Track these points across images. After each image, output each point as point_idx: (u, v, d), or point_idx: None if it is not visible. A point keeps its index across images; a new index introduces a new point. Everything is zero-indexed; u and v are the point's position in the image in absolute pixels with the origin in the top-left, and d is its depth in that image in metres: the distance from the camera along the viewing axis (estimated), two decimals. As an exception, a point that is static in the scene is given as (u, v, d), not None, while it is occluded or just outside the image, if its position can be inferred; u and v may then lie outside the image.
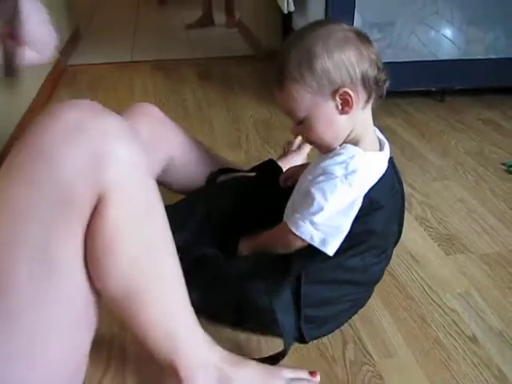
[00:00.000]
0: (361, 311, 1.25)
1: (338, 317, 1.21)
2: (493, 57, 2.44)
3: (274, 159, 1.58)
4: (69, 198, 0.76)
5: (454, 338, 1.20)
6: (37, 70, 2.53)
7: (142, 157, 0.85)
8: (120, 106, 2.48)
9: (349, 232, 1.08)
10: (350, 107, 1.06)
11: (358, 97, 1.06)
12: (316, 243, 1.07)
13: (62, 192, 0.76)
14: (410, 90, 2.55)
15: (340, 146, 1.11)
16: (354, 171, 1.06)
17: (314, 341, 1.18)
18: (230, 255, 1.23)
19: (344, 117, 1.07)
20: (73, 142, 0.77)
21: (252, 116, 2.42)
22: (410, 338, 1.20)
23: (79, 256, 0.81)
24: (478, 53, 2.47)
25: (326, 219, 1.06)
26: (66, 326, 0.84)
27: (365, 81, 1.05)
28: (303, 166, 1.33)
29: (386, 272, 1.29)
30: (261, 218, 1.28)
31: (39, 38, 1.08)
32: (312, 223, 1.06)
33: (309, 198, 1.07)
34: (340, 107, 1.06)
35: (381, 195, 1.12)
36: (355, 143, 1.10)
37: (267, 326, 1.16)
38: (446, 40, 2.47)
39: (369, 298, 1.27)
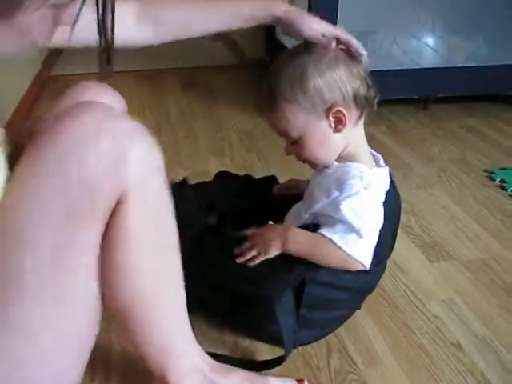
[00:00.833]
0: (345, 319, 1.25)
1: (328, 323, 1.21)
2: (474, 65, 2.46)
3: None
4: (92, 197, 0.77)
5: (438, 345, 1.20)
6: (19, 80, 2.52)
7: (160, 159, 0.86)
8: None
9: None
10: (344, 125, 1.07)
11: (351, 114, 1.08)
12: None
13: (86, 189, 0.76)
14: (393, 98, 2.56)
15: (337, 162, 1.12)
16: (370, 184, 1.07)
17: (299, 349, 1.17)
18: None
19: (338, 135, 1.09)
20: (95, 142, 0.77)
21: (235, 125, 2.42)
22: (395, 345, 1.20)
23: (95, 256, 0.81)
24: (460, 61, 2.49)
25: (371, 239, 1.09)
26: (69, 327, 0.84)
27: (356, 98, 1.07)
28: (299, 181, 1.36)
29: (370, 280, 1.28)
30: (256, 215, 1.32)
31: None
32: (367, 249, 1.09)
33: (344, 222, 1.06)
34: (333, 126, 1.08)
35: (387, 209, 1.13)
36: (350, 160, 1.11)
37: (263, 320, 1.15)
38: (427, 48, 2.49)
39: (358, 308, 1.27)
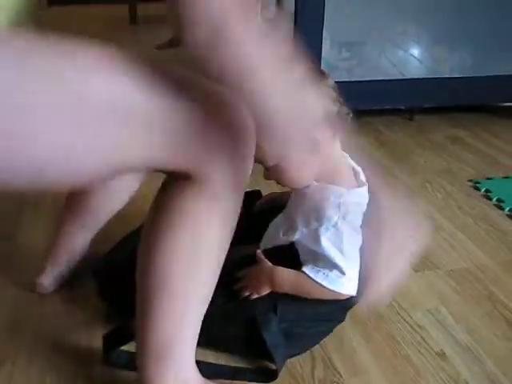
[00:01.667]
0: (330, 329, 1.25)
1: (310, 337, 1.20)
2: (459, 76, 2.47)
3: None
4: None
5: (422, 355, 1.20)
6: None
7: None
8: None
9: None
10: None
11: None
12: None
13: None
14: (380, 109, 2.58)
15: (316, 182, 1.11)
16: (347, 211, 1.07)
17: (283, 360, 1.17)
18: None
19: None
20: None
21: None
22: (379, 355, 1.19)
23: None
24: (445, 71, 2.51)
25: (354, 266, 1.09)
26: None
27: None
28: (280, 194, 1.36)
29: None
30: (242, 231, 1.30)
31: None
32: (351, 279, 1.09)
33: (326, 258, 1.07)
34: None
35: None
36: (328, 177, 1.11)
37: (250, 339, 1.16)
38: (413, 59, 2.51)
39: (342, 320, 1.26)
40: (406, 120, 2.62)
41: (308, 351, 1.20)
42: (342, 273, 1.07)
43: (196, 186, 0.84)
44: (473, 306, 1.35)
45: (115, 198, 1.37)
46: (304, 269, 1.09)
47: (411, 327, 1.28)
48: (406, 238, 1.08)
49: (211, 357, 1.18)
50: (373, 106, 2.52)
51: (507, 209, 1.79)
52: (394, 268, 1.07)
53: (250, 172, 0.87)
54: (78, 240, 1.37)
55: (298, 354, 1.18)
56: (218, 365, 1.16)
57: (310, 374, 1.14)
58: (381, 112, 2.58)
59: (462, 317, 1.31)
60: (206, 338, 1.16)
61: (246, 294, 1.14)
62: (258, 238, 1.25)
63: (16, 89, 0.68)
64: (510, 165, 2.15)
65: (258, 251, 1.18)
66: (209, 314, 1.12)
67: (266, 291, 1.13)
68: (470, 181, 2.00)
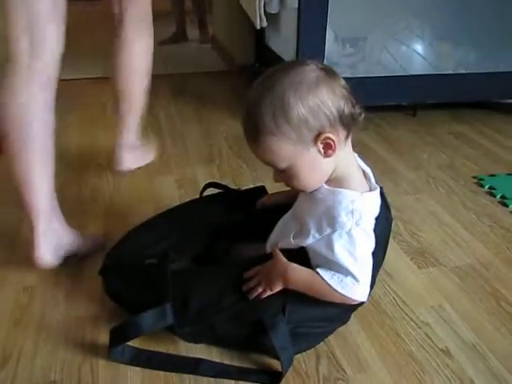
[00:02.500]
0: (334, 326, 1.25)
1: (315, 335, 1.20)
2: (462, 72, 2.47)
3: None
4: None
5: (427, 352, 1.19)
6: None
7: None
8: (92, 121, 2.48)
9: None
10: (334, 150, 1.02)
11: (339, 137, 1.03)
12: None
13: None
14: (383, 105, 2.57)
15: (327, 185, 1.08)
16: (361, 217, 1.05)
17: (287, 356, 1.17)
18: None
19: (327, 159, 1.04)
20: None
21: (225, 131, 2.41)
22: (384, 352, 1.19)
23: None
24: (448, 68, 2.51)
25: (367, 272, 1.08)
26: None
27: (343, 119, 1.01)
28: (284, 194, 1.34)
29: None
30: (246, 230, 1.33)
31: None
32: (364, 285, 1.08)
33: (339, 265, 1.06)
34: (323, 152, 1.02)
35: (378, 231, 1.12)
36: (340, 181, 1.08)
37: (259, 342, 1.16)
38: (416, 55, 2.51)
39: (348, 320, 1.25)
40: (408, 116, 2.61)
41: (312, 348, 1.19)
42: (356, 280, 1.06)
43: None
44: (477, 303, 1.35)
45: None
46: (318, 270, 1.07)
47: (415, 324, 1.28)
48: None
49: (216, 355, 1.18)
50: (376, 102, 2.51)
51: (511, 206, 1.79)
52: None
53: None
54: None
55: (302, 351, 1.18)
56: (222, 364, 1.16)
57: (315, 371, 1.14)
58: (384, 108, 2.58)
59: (466, 313, 1.31)
60: (214, 339, 1.17)
61: (259, 290, 1.12)
62: (262, 237, 1.25)
63: None
64: (513, 161, 2.14)
65: (270, 245, 1.18)
66: (217, 314, 1.13)
67: (278, 288, 1.11)
68: (473, 177, 1.99)
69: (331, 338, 1.22)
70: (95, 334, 1.23)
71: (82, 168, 2.04)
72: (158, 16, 5.22)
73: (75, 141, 2.30)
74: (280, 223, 1.23)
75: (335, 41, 2.44)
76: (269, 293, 1.11)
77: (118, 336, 1.13)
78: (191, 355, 1.18)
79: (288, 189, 1.16)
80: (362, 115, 1.06)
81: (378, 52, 2.48)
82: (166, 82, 3.15)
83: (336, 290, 1.06)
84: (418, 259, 1.51)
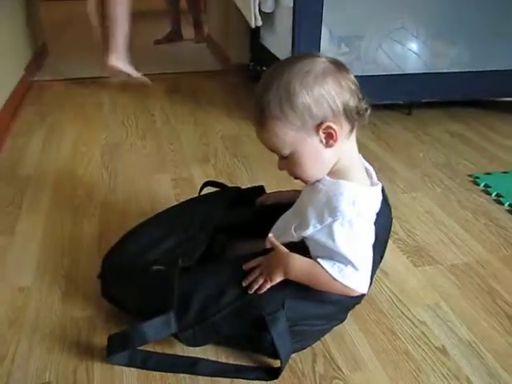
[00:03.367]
0: (330, 325, 1.25)
1: (312, 334, 1.20)
2: (457, 70, 2.47)
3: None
4: None
5: (423, 350, 1.19)
6: (2, 85, 2.50)
7: None
8: (88, 121, 2.48)
9: None
10: (335, 140, 1.03)
11: (342, 128, 1.04)
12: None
13: None
14: (378, 104, 2.57)
15: (330, 177, 1.09)
16: (362, 208, 1.05)
17: (284, 356, 1.16)
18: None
19: (329, 149, 1.05)
20: None
21: (220, 130, 2.41)
22: (380, 350, 1.19)
23: None
24: (443, 66, 2.51)
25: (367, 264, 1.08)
26: None
27: (347, 112, 1.03)
28: (283, 194, 1.36)
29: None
30: (244, 227, 1.33)
31: None
32: (364, 276, 1.07)
33: (340, 254, 1.05)
34: (324, 141, 1.04)
35: (378, 229, 1.12)
36: (342, 173, 1.08)
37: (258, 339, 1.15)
38: (412, 54, 2.50)
39: (344, 319, 1.25)
40: (404, 114, 2.62)
41: (308, 347, 1.19)
42: (356, 269, 1.05)
43: None
44: (473, 301, 1.35)
45: None
46: (319, 260, 1.06)
47: (411, 322, 1.27)
48: None
49: (212, 354, 1.18)
50: (371, 101, 2.50)
51: (507, 204, 1.79)
52: None
53: None
54: None
55: (299, 350, 1.18)
56: (219, 362, 1.16)
57: (311, 370, 1.14)
58: (379, 107, 2.58)
59: (463, 312, 1.31)
60: (215, 338, 1.16)
61: (260, 282, 1.10)
62: (262, 235, 1.24)
63: None
64: (508, 160, 2.14)
65: (271, 235, 1.15)
66: (218, 313, 1.12)
67: (279, 279, 1.10)
68: (469, 175, 2.00)
69: (327, 337, 1.22)
70: (90, 335, 1.22)
71: (76, 167, 2.03)
72: (153, 15, 5.24)
73: (71, 140, 2.29)
74: (280, 219, 1.22)
75: (330, 40, 2.43)
76: (269, 284, 1.10)
77: (120, 343, 1.13)
78: (187, 355, 1.17)
79: (287, 188, 1.16)
80: (368, 111, 1.08)
81: (374, 51, 2.48)
82: (162, 82, 3.14)
83: (336, 280, 1.05)
84: (414, 257, 1.51)
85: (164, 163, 2.08)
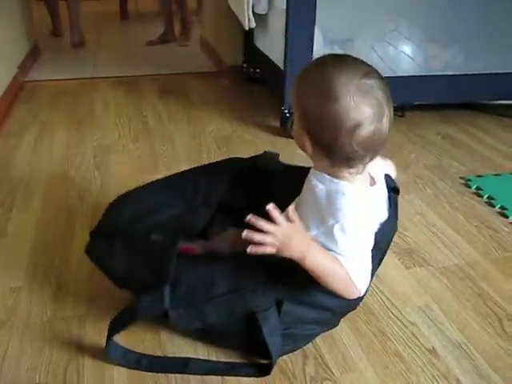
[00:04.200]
0: (321, 326, 1.25)
1: (304, 337, 1.20)
2: (450, 73, 2.48)
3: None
4: None
5: (413, 351, 1.20)
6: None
7: None
8: (80, 122, 2.47)
9: None
10: (305, 150, 1.08)
11: (315, 150, 1.06)
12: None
13: None
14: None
15: (329, 177, 1.08)
16: (361, 209, 1.05)
17: (274, 357, 1.16)
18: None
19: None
20: None
21: (213, 131, 2.41)
22: (370, 352, 1.19)
23: None
24: (437, 69, 2.51)
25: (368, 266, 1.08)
26: None
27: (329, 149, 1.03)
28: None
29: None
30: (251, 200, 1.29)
31: None
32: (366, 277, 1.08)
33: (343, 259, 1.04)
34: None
35: (382, 237, 1.13)
36: (343, 171, 1.07)
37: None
38: (405, 56, 2.51)
39: (336, 325, 1.25)
40: (397, 117, 2.62)
41: (299, 349, 1.19)
42: (359, 270, 1.05)
43: None
44: (464, 303, 1.35)
45: None
46: (339, 257, 1.03)
47: (402, 324, 1.28)
48: None
49: (202, 353, 1.18)
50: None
51: (498, 206, 1.80)
52: None
53: None
54: None
55: (289, 352, 1.18)
56: (210, 361, 1.16)
57: (302, 371, 1.14)
58: (372, 109, 2.58)
59: (453, 313, 1.31)
60: (203, 324, 1.15)
61: (268, 250, 0.99)
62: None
63: None
64: (500, 162, 2.15)
65: (292, 207, 1.03)
66: (206, 299, 1.11)
67: (291, 254, 1.01)
68: (461, 178, 2.00)
69: (318, 339, 1.22)
70: (81, 335, 1.22)
71: (68, 168, 2.03)
72: (146, 17, 5.22)
73: (63, 140, 2.28)
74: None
75: (323, 42, 2.44)
76: (272, 251, 0.99)
77: (117, 323, 1.13)
78: (178, 356, 1.17)
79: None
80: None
81: (366, 53, 2.49)
82: (155, 83, 3.14)
83: (350, 278, 1.04)
84: (405, 259, 1.51)
85: (156, 164, 2.08)
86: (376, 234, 1.12)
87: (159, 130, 2.43)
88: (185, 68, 3.50)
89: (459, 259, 1.52)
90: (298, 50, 2.17)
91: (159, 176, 1.93)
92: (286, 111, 2.29)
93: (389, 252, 1.51)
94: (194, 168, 1.44)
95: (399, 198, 1.83)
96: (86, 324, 1.25)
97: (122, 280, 1.21)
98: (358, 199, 1.05)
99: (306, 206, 1.12)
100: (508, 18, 2.49)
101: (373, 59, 2.46)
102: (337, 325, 1.24)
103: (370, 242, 1.09)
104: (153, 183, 1.41)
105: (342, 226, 1.03)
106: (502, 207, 1.80)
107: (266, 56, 2.60)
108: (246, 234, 0.98)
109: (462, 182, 1.98)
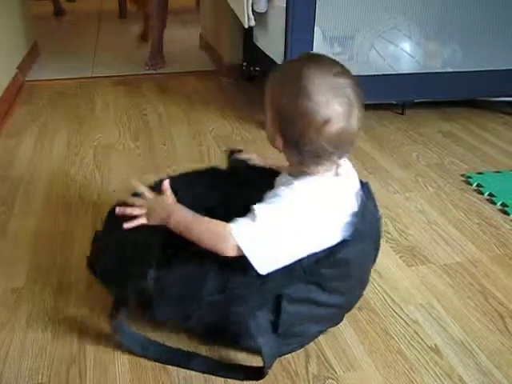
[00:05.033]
0: (323, 324, 1.25)
1: (309, 335, 1.20)
2: (450, 70, 2.47)
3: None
4: None
5: (416, 349, 1.20)
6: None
7: None
8: (80, 122, 2.47)
9: (331, 258, 1.08)
10: (276, 147, 1.11)
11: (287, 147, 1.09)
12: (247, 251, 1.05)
13: None
14: (371, 104, 2.58)
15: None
16: (302, 196, 1.06)
17: (277, 355, 1.16)
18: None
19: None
20: None
21: (213, 130, 2.41)
22: (373, 350, 1.19)
23: None
24: (436, 66, 2.51)
25: (265, 233, 1.05)
26: None
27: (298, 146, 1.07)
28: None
29: (347, 284, 1.28)
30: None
31: None
32: (251, 232, 1.05)
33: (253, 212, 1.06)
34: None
35: (365, 226, 1.13)
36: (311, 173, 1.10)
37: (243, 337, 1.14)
38: (405, 54, 2.51)
39: (340, 321, 1.25)
40: (397, 114, 2.62)
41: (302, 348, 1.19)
42: (253, 220, 1.04)
43: None
44: (466, 301, 1.35)
45: None
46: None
47: (404, 322, 1.28)
48: None
49: (203, 351, 1.18)
50: (364, 101, 2.51)
51: (499, 203, 1.80)
52: None
53: None
54: None
55: (292, 351, 1.18)
56: (210, 359, 1.15)
57: (304, 370, 1.14)
58: (372, 107, 2.58)
59: (455, 311, 1.31)
60: (186, 323, 1.15)
61: (136, 212, 1.14)
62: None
63: None
64: (501, 159, 2.15)
65: (166, 181, 1.18)
66: (198, 300, 1.10)
67: (156, 221, 1.13)
68: (462, 175, 2.00)
69: (320, 338, 1.22)
70: (83, 335, 1.22)
71: (69, 167, 2.03)
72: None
73: (63, 140, 2.28)
74: None
75: (323, 40, 2.43)
76: (142, 221, 1.14)
77: (114, 306, 1.13)
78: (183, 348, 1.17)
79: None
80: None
81: (366, 51, 2.48)
82: (154, 82, 3.14)
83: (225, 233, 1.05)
84: (406, 257, 1.51)
85: (157, 163, 2.08)
86: (357, 227, 1.11)
87: (159, 128, 2.43)
88: (184, 67, 3.50)
89: (461, 257, 1.52)
90: (298, 48, 2.16)
91: (160, 175, 1.94)
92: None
93: (390, 250, 1.52)
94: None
95: (400, 196, 1.84)
96: (87, 324, 1.25)
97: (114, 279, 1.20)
98: (298, 186, 1.07)
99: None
100: (507, 14, 2.49)
101: (372, 57, 2.46)
102: (339, 322, 1.24)
103: (293, 226, 1.06)
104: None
105: (289, 189, 1.07)
106: (503, 204, 1.79)
107: (266, 54, 2.59)
108: (118, 210, 1.15)
109: (463, 179, 1.98)
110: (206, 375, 1.12)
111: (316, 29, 2.18)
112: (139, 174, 1.97)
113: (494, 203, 1.81)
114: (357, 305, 1.27)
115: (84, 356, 1.16)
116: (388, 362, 1.16)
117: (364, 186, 1.20)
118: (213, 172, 1.46)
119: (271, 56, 2.50)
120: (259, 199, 1.10)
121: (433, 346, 1.21)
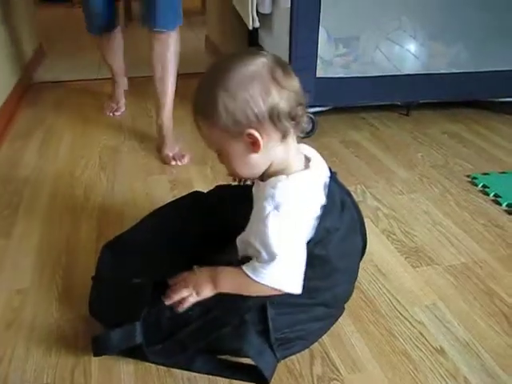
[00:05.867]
0: (328, 326, 1.24)
1: (309, 336, 1.19)
2: (455, 71, 2.47)
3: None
4: None
5: (421, 351, 1.19)
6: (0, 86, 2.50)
7: None
8: (86, 123, 2.47)
9: (309, 257, 1.06)
10: (258, 147, 1.01)
11: (270, 136, 1.01)
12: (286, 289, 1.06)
13: None
14: (376, 105, 2.58)
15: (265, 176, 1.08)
16: (283, 200, 1.02)
17: (281, 357, 1.16)
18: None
19: (256, 155, 1.03)
20: None
21: (218, 132, 2.40)
22: (378, 351, 1.19)
23: None
24: (441, 67, 2.50)
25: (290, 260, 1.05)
26: None
27: (274, 118, 0.99)
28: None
29: (352, 286, 1.28)
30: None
31: None
32: (272, 273, 1.04)
33: (255, 251, 1.05)
34: (250, 146, 1.02)
35: (334, 220, 1.11)
36: (280, 172, 1.06)
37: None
38: (409, 55, 2.50)
39: (341, 314, 1.26)
40: (402, 115, 2.62)
41: (306, 348, 1.19)
42: (272, 260, 1.02)
43: None
44: (471, 302, 1.35)
45: None
46: (243, 266, 1.06)
47: (409, 323, 1.27)
48: None
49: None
50: (369, 102, 2.52)
51: (504, 204, 1.79)
52: None
53: None
54: None
55: (297, 352, 1.18)
56: (215, 359, 1.15)
57: (309, 371, 1.13)
58: (377, 107, 2.58)
59: (461, 312, 1.31)
60: (182, 353, 1.13)
61: (184, 294, 1.11)
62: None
63: None
64: (506, 160, 2.15)
65: (195, 267, 1.18)
66: (183, 326, 1.11)
67: (207, 292, 1.11)
68: (467, 176, 2.00)
69: (325, 338, 1.21)
70: (88, 336, 1.21)
71: (74, 169, 2.03)
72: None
73: (69, 141, 2.29)
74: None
75: (328, 41, 2.43)
76: (195, 298, 1.11)
77: (93, 346, 1.12)
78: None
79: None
80: (305, 118, 1.05)
81: (371, 52, 2.48)
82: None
83: (258, 282, 1.04)
84: (412, 258, 1.51)
85: (162, 165, 2.08)
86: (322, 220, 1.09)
87: (164, 130, 2.43)
88: (190, 68, 3.50)
89: (466, 258, 1.52)
90: (303, 49, 2.17)
91: (164, 177, 1.95)
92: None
93: (395, 251, 1.53)
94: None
95: (405, 197, 1.84)
96: (93, 326, 1.24)
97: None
98: (277, 190, 1.03)
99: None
100: (512, 15, 2.49)
101: (377, 58, 2.46)
102: (340, 314, 1.25)
103: (292, 234, 1.05)
104: (142, 222, 1.43)
105: (257, 220, 1.04)
106: (508, 205, 1.79)
107: (271, 56, 2.59)
108: (167, 301, 1.12)
109: (469, 180, 1.97)
110: (211, 377, 1.12)
111: (321, 30, 2.18)
112: (144, 176, 1.97)
113: (500, 204, 1.80)
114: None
115: (89, 357, 1.16)
116: (393, 363, 1.16)
117: (332, 174, 1.17)
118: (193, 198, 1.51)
119: (276, 57, 2.50)
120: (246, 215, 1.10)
121: (438, 347, 1.20)
